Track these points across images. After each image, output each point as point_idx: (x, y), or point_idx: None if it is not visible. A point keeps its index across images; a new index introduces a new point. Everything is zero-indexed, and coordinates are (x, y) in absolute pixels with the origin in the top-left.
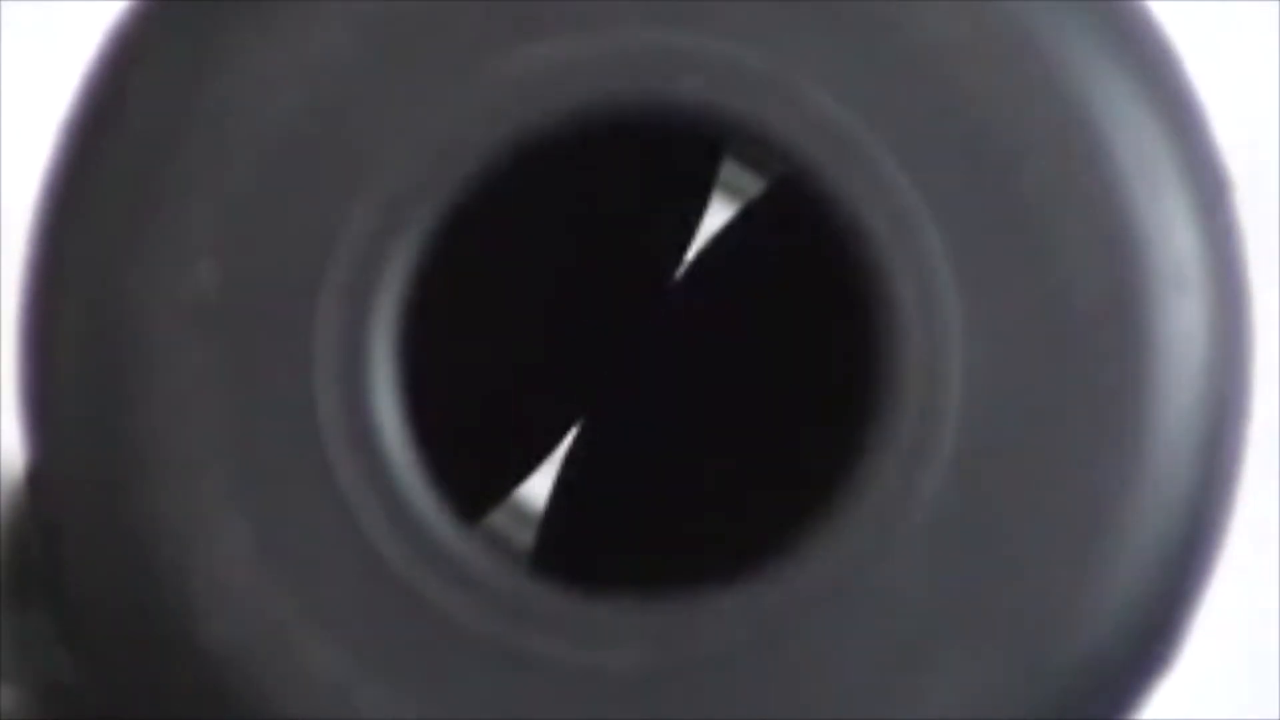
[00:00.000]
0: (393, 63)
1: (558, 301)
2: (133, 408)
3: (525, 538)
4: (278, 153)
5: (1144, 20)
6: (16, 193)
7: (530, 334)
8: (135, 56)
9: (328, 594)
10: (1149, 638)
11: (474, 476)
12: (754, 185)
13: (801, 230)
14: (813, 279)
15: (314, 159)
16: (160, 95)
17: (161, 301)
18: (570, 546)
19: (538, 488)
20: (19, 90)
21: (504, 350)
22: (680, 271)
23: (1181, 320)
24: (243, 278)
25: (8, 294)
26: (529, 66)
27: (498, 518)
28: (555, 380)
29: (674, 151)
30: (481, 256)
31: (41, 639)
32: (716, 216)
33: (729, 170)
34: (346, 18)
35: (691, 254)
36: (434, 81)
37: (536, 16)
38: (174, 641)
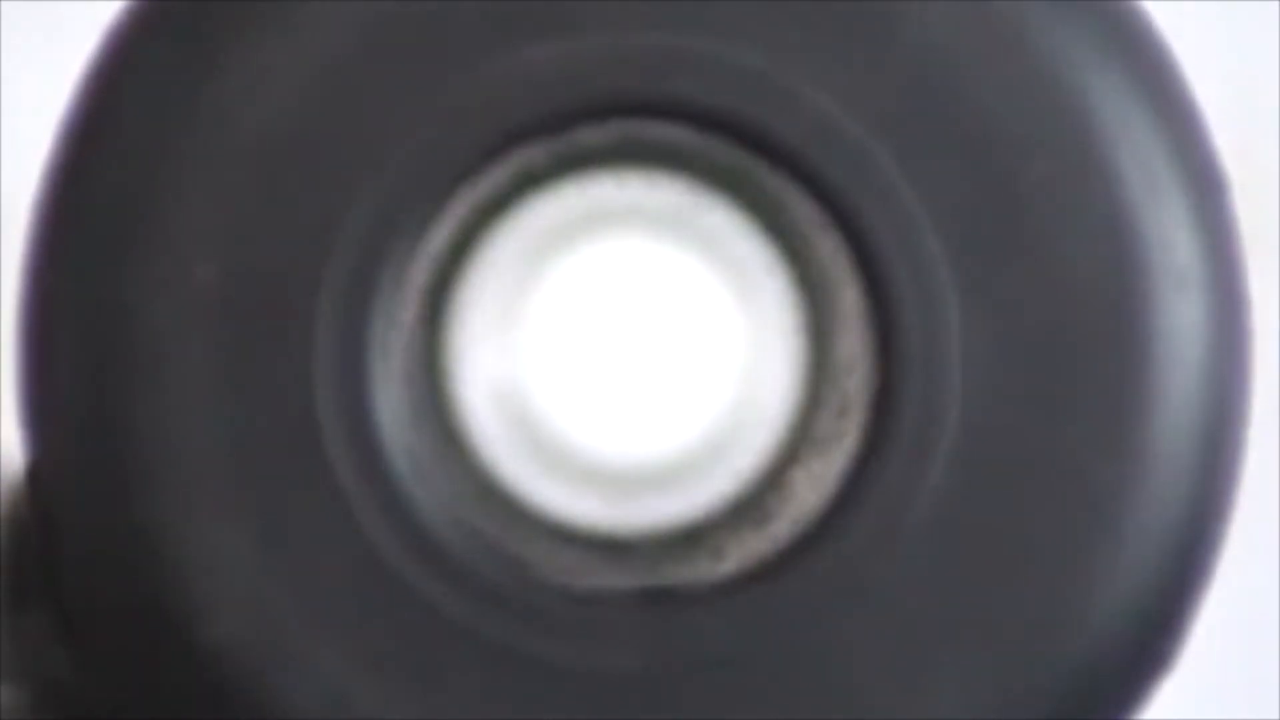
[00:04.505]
0: (393, 63)
1: None
2: (132, 407)
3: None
4: (277, 152)
5: (1142, 21)
6: (16, 193)
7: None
8: (133, 57)
9: (328, 594)
10: (1150, 637)
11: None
12: None
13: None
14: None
15: (314, 159)
16: (159, 95)
17: (161, 301)
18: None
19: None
20: (19, 90)
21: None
22: None
23: (1181, 319)
24: (242, 277)
25: (7, 294)
26: (529, 66)
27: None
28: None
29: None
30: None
31: (41, 638)
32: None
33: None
34: (346, 18)
35: None
36: (434, 81)
37: (536, 16)
38: (174, 641)
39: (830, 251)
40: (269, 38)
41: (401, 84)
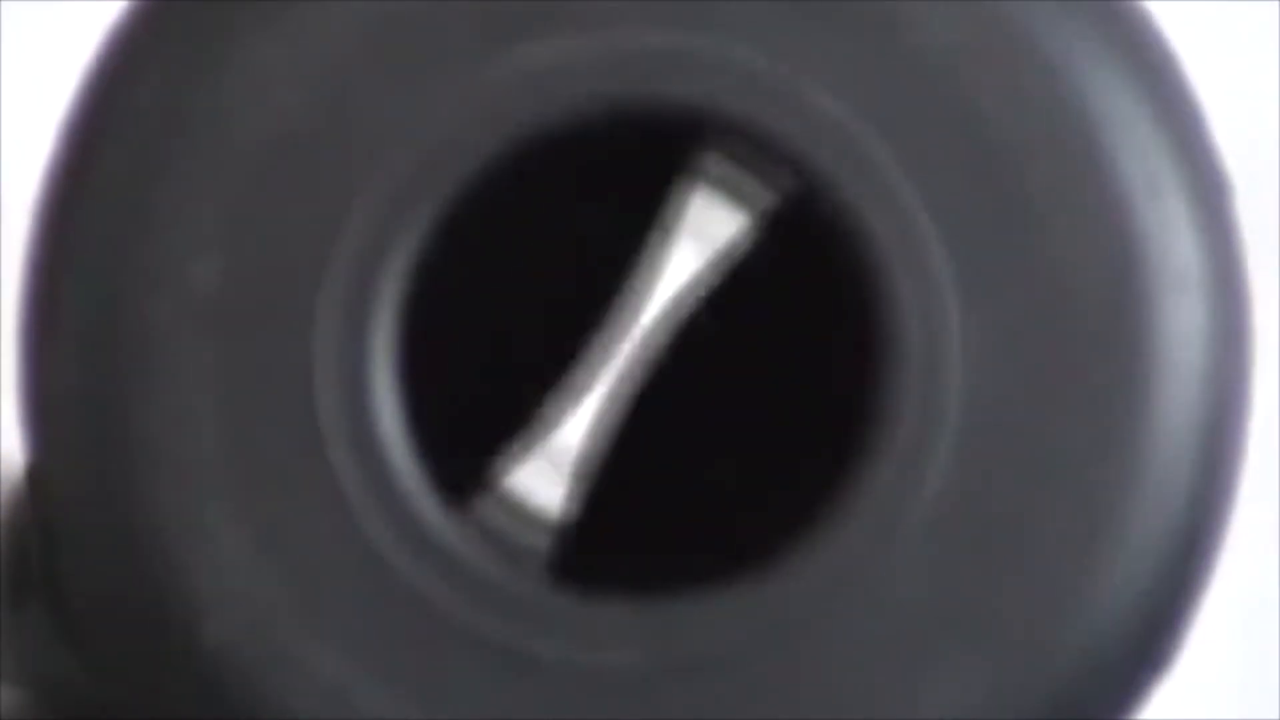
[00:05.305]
0: (393, 63)
1: (558, 300)
2: (133, 407)
3: (525, 537)
4: (278, 152)
5: (1144, 22)
6: (16, 193)
7: (530, 333)
8: (135, 56)
9: (328, 594)
10: (1149, 637)
11: (469, 472)
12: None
13: (802, 231)
14: (814, 279)
15: (314, 158)
16: (160, 94)
17: (162, 301)
18: (571, 547)
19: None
20: (19, 90)
21: (503, 350)
22: None
23: (1181, 320)
24: (243, 277)
25: (8, 294)
26: (529, 66)
27: (497, 517)
28: (554, 379)
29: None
30: (480, 255)
31: (41, 638)
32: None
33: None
34: (347, 18)
35: None
36: (434, 81)
37: (536, 16)
38: (174, 641)
39: None
40: (269, 38)
41: (401, 84)
